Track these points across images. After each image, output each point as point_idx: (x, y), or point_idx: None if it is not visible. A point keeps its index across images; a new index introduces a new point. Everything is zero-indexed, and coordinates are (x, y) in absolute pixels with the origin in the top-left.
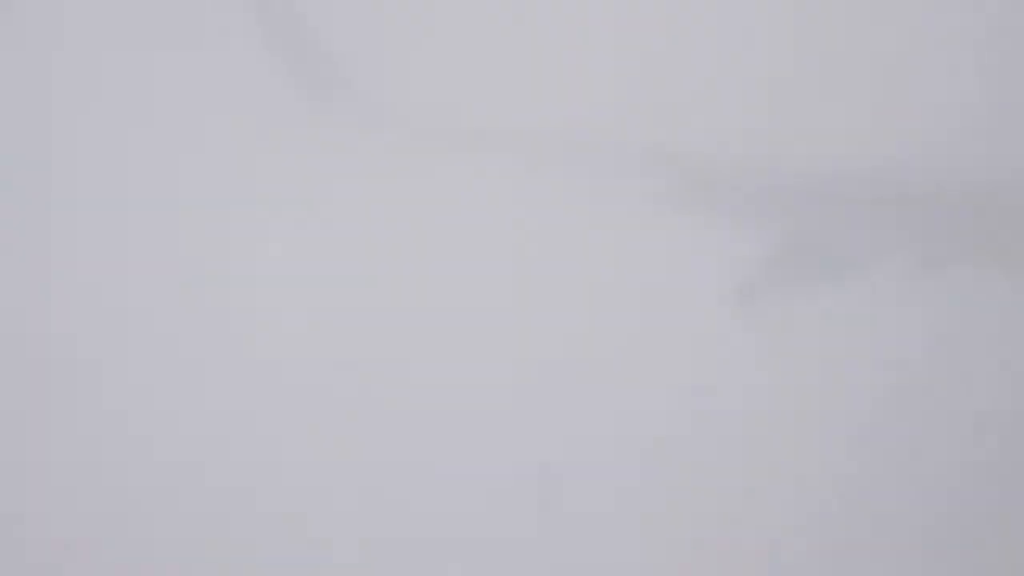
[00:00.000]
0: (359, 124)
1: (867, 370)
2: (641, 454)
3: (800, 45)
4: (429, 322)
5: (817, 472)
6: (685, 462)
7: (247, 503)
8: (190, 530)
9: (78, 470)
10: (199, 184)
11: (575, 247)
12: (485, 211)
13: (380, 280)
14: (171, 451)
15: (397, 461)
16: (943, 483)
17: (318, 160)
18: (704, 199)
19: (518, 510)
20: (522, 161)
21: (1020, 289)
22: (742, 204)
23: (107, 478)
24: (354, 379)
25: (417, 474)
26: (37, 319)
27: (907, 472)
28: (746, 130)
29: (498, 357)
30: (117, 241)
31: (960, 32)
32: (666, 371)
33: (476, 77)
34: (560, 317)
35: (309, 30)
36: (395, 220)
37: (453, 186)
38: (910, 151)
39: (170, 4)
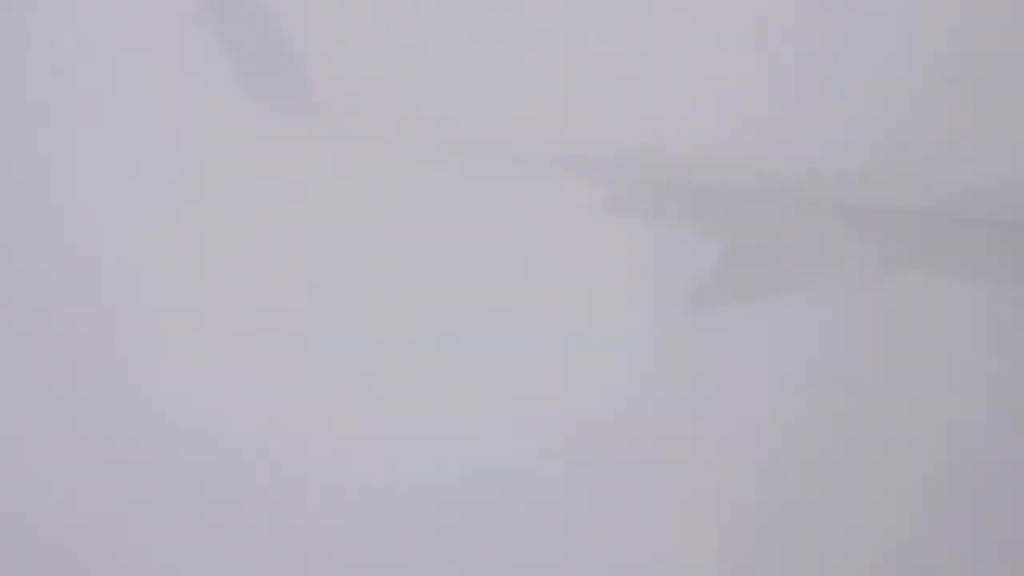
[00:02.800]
0: (312, 125)
1: (818, 375)
2: (589, 459)
3: (760, 46)
4: (377, 326)
5: (771, 477)
6: (634, 468)
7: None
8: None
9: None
10: (163, 185)
11: (525, 250)
12: (436, 214)
13: (327, 278)
14: (161, 448)
15: (370, 456)
16: (895, 487)
17: (273, 161)
18: (657, 202)
19: (469, 507)
20: (470, 163)
21: (974, 297)
22: (695, 207)
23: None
24: (320, 377)
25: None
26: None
27: (860, 478)
28: (701, 132)
29: (451, 359)
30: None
31: (921, 41)
32: (618, 375)
33: (427, 79)
34: (510, 321)
35: (272, 31)
36: (343, 221)
37: (401, 188)
38: (867, 157)
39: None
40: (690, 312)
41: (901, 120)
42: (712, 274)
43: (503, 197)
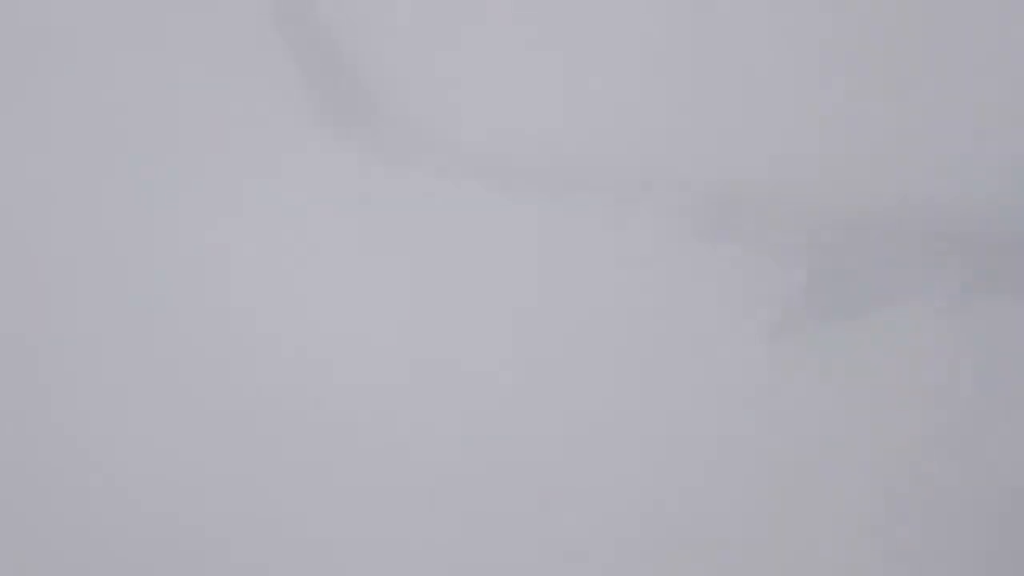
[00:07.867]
0: (390, 151)
1: (901, 403)
2: (667, 492)
3: (833, 77)
4: (448, 350)
5: (848, 507)
6: (711, 501)
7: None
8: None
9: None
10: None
11: (606, 284)
12: (507, 241)
13: (393, 300)
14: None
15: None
16: (973, 509)
17: (340, 185)
18: (735, 232)
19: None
20: (545, 191)
21: None
22: (772, 238)
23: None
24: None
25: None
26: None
27: (935, 502)
28: (776, 162)
29: (515, 389)
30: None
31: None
32: (697, 408)
33: (501, 108)
34: (584, 356)
35: (340, 55)
36: (414, 246)
37: (472, 213)
38: (943, 186)
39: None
40: (777, 338)
41: (969, 149)
42: (798, 300)
43: (579, 225)
